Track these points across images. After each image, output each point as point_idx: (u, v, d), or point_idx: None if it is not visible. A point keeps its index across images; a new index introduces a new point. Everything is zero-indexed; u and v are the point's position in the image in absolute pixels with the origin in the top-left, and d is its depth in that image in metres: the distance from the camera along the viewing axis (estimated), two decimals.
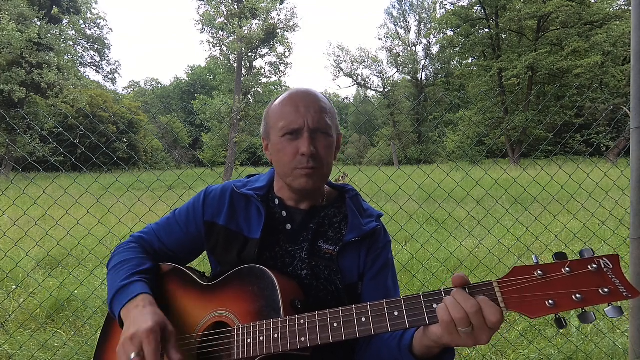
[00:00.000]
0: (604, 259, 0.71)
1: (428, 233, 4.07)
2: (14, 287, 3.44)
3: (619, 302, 0.69)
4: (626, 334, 2.50)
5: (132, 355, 0.86)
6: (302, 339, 0.87)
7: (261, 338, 0.91)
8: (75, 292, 3.21)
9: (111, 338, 1.12)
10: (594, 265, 0.70)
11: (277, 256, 1.11)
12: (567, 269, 0.71)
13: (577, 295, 0.69)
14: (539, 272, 0.73)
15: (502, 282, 0.74)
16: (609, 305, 0.69)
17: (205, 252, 1.24)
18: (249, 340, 0.93)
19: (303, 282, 1.07)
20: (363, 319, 0.83)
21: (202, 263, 3.67)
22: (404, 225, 4.61)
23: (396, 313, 0.81)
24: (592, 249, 0.72)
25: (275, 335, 0.90)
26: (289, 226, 1.13)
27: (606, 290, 0.68)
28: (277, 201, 1.16)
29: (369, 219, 1.15)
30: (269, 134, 1.12)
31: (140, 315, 0.92)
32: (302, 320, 0.89)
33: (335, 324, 0.85)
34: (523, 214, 4.36)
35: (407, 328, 0.80)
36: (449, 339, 0.76)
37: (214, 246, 1.16)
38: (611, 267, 0.70)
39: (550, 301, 0.70)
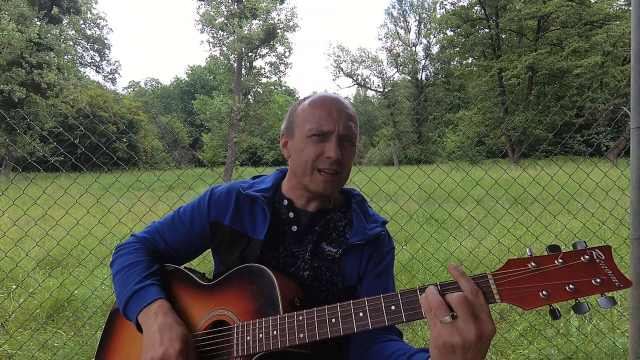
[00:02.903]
0: (597, 250, 0.71)
1: (428, 233, 4.07)
2: (14, 287, 3.45)
3: (612, 293, 0.70)
4: (626, 334, 2.50)
5: None
6: (301, 335, 0.88)
7: (260, 335, 0.92)
8: (75, 292, 3.21)
9: (113, 337, 1.12)
10: (587, 257, 0.71)
11: (280, 256, 1.11)
12: (560, 260, 0.72)
13: (571, 286, 0.70)
14: (533, 264, 0.73)
15: (497, 275, 0.75)
16: (601, 296, 0.70)
17: (205, 252, 1.25)
18: (248, 338, 0.93)
19: (305, 283, 1.08)
20: (361, 314, 0.84)
21: (202, 263, 3.70)
22: (404, 225, 4.62)
23: (393, 307, 0.81)
24: (585, 242, 0.73)
25: (275, 332, 0.90)
26: (294, 228, 1.13)
27: (599, 280, 0.69)
28: (285, 202, 1.16)
29: (374, 224, 1.16)
30: (292, 131, 1.11)
31: (167, 330, 0.95)
32: (300, 317, 0.89)
33: (334, 320, 0.86)
34: (523, 214, 4.36)
35: (405, 322, 0.81)
36: (435, 333, 0.72)
37: (218, 246, 1.17)
38: (603, 258, 0.71)
39: (543, 292, 0.71)
